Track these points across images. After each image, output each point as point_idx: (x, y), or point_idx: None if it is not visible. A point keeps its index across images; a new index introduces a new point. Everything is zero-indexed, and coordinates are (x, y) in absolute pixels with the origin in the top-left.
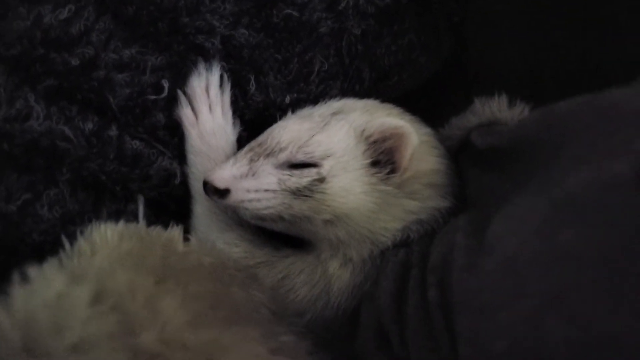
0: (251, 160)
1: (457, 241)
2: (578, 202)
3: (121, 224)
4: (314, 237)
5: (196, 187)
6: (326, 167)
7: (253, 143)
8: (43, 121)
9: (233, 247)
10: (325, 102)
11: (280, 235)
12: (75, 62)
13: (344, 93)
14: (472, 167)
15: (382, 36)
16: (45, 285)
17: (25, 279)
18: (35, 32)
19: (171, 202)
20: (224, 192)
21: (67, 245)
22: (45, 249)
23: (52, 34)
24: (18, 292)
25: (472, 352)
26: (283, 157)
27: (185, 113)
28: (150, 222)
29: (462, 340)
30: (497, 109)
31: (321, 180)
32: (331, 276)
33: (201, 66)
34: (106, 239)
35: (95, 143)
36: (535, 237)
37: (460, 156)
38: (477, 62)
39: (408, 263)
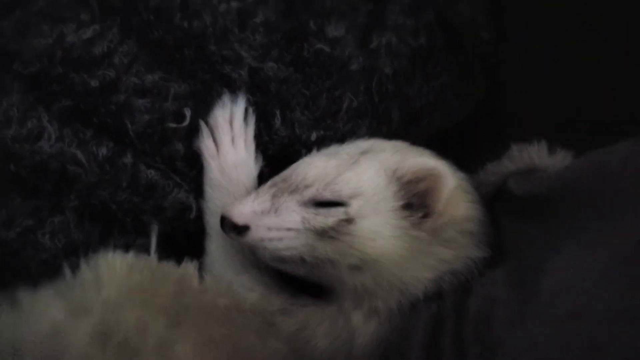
0: (274, 196)
1: (498, 295)
2: None
3: (131, 254)
4: (337, 284)
5: (212, 223)
6: (354, 207)
7: (277, 178)
8: (55, 143)
9: (248, 291)
10: (353, 141)
11: (299, 281)
12: (95, 83)
13: (372, 133)
14: (508, 215)
15: (414, 77)
16: (39, 314)
17: (16, 304)
18: (56, 50)
19: (184, 239)
20: (242, 229)
21: (68, 273)
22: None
23: (74, 53)
24: (7, 319)
25: None
26: (308, 194)
27: (206, 144)
28: (161, 259)
29: None
30: (536, 155)
31: (349, 221)
32: (355, 329)
33: (226, 97)
34: (114, 270)
35: (108, 170)
36: (607, 292)
37: (496, 204)
38: (512, 106)
39: (441, 316)
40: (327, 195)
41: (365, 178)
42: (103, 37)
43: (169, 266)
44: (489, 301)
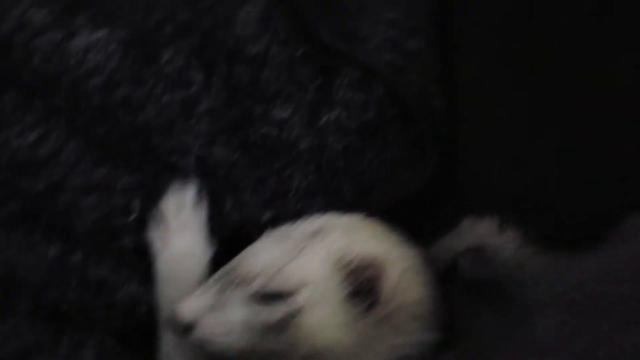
0: (220, 291)
1: None
2: None
3: None
4: None
5: (164, 318)
6: (301, 298)
7: (224, 269)
8: (5, 248)
9: None
10: (305, 219)
11: None
12: (41, 185)
13: (325, 208)
14: (461, 294)
15: (364, 151)
16: None
17: None
18: (2, 155)
19: (137, 334)
20: (188, 327)
21: None
22: None
23: (20, 156)
24: None
25: None
26: (254, 287)
27: (155, 235)
28: (116, 354)
29: None
30: (486, 233)
31: (296, 313)
32: None
33: (176, 184)
34: None
35: (58, 270)
36: None
37: (447, 282)
38: (469, 177)
39: None
40: (273, 288)
41: (310, 268)
42: (48, 138)
43: None
44: None
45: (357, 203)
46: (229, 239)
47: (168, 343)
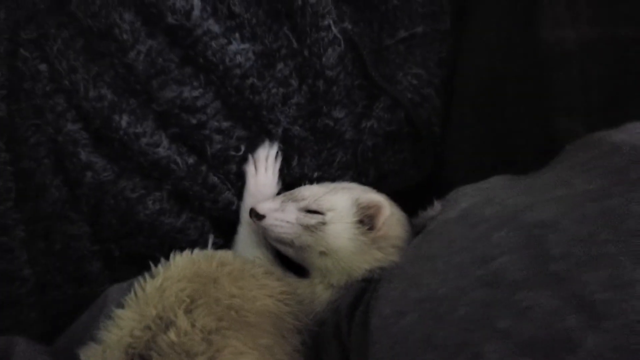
0: (282, 202)
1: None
2: None
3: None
4: (310, 266)
5: (244, 216)
6: (329, 216)
7: (287, 193)
8: (166, 150)
9: (257, 259)
10: (339, 182)
11: (289, 263)
12: (194, 121)
13: (353, 180)
14: None
15: (386, 150)
16: None
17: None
18: (177, 100)
19: (225, 223)
20: (261, 217)
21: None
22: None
23: (186, 103)
24: None
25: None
26: (303, 204)
27: (250, 169)
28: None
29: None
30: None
31: (324, 223)
32: (317, 294)
33: (267, 143)
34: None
35: (191, 172)
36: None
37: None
38: (450, 176)
39: (364, 290)
40: (314, 206)
41: (338, 200)
42: (203, 97)
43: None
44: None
45: (376, 183)
46: (290, 186)
47: (244, 232)
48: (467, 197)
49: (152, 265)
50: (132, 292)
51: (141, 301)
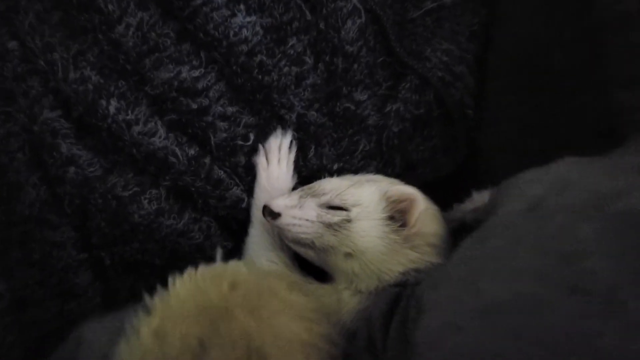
0: (300, 197)
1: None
2: None
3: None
4: (334, 270)
5: (256, 214)
6: (354, 212)
7: (304, 187)
8: (163, 140)
9: (272, 264)
10: (363, 174)
11: (308, 266)
12: (194, 106)
13: (378, 171)
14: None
15: (414, 137)
16: None
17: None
18: (174, 81)
19: (234, 223)
20: (276, 215)
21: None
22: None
23: (185, 85)
24: None
25: None
26: (324, 199)
27: (260, 160)
28: (217, 235)
29: None
30: (482, 198)
31: (348, 221)
32: (343, 302)
33: (279, 131)
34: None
35: (193, 165)
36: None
37: (457, 232)
38: (486, 166)
39: (399, 296)
40: (337, 202)
41: (364, 194)
42: (205, 77)
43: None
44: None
45: (403, 174)
46: (307, 179)
47: (256, 233)
48: (533, 184)
49: (145, 295)
50: (123, 341)
51: (135, 354)
